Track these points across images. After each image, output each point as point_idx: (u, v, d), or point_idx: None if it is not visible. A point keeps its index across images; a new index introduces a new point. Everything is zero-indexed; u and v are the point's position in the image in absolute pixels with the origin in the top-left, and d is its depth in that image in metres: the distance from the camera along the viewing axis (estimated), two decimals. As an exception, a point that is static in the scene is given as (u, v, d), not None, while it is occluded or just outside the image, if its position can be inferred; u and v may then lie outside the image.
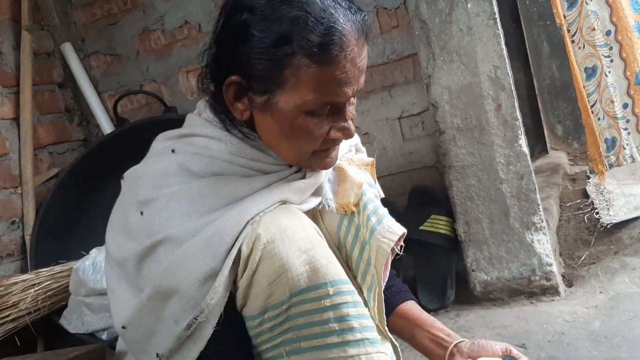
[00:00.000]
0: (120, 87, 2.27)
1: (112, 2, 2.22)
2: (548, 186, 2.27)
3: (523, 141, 1.70)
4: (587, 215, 2.12)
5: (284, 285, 0.83)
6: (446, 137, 1.74)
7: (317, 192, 1.00)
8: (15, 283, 1.72)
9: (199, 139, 0.95)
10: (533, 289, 1.74)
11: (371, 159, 1.09)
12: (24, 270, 1.94)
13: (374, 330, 0.89)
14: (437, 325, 1.05)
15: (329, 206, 0.98)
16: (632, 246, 1.86)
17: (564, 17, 1.80)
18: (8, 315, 1.66)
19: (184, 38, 2.15)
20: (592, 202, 2.18)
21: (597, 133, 1.85)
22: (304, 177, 0.97)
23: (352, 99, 0.92)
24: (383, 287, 1.00)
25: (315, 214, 1.00)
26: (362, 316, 0.88)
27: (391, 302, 1.10)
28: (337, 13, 0.86)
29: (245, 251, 0.84)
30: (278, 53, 0.85)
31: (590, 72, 1.80)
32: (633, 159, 1.82)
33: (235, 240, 0.84)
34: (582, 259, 1.92)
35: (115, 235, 0.96)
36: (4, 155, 2.00)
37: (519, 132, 1.69)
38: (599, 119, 1.82)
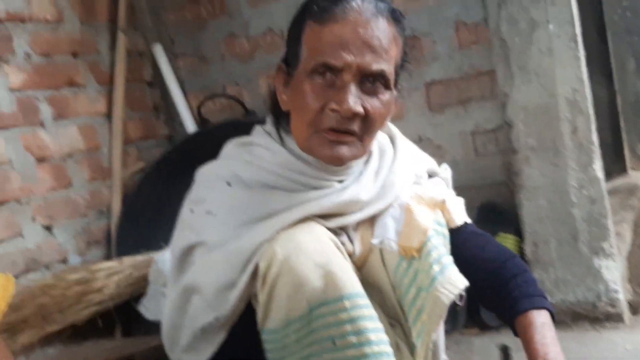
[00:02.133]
0: (204, 88, 2.39)
1: (202, 7, 2.34)
2: (623, 209, 2.22)
3: (598, 165, 1.68)
4: (663, 242, 2.06)
5: (302, 299, 0.88)
6: (519, 157, 1.75)
7: (359, 209, 1.02)
8: (101, 269, 1.86)
9: (256, 149, 1.03)
10: (597, 315, 1.72)
11: (442, 198, 1.06)
12: (108, 258, 2.09)
13: (388, 344, 0.91)
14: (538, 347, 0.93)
15: (390, 247, 1.00)
16: None
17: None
18: (92, 299, 1.80)
19: (267, 44, 2.24)
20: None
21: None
22: (342, 194, 1.00)
23: (374, 83, 0.93)
24: (435, 336, 1.00)
25: (374, 249, 1.03)
26: (379, 330, 0.90)
27: (519, 305, 0.98)
28: None
29: (263, 267, 0.90)
30: (296, 27, 0.95)
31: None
32: None
33: (253, 256, 0.91)
34: (653, 287, 1.87)
35: (178, 224, 1.06)
36: (97, 148, 2.15)
37: (594, 156, 1.67)
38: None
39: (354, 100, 0.91)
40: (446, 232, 1.04)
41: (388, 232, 1.02)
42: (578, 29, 1.66)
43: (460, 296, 0.96)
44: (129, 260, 1.98)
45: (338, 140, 0.94)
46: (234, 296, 0.91)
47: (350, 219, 1.01)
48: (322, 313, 0.88)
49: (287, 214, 0.94)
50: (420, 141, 2.04)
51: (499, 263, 1.03)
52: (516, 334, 0.98)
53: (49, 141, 1.98)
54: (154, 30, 2.40)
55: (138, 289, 1.93)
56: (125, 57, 2.25)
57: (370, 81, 0.93)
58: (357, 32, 0.91)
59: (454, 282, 0.96)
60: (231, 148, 1.08)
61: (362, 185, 1.02)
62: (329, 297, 0.88)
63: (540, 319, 0.95)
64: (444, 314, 0.97)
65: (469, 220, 1.12)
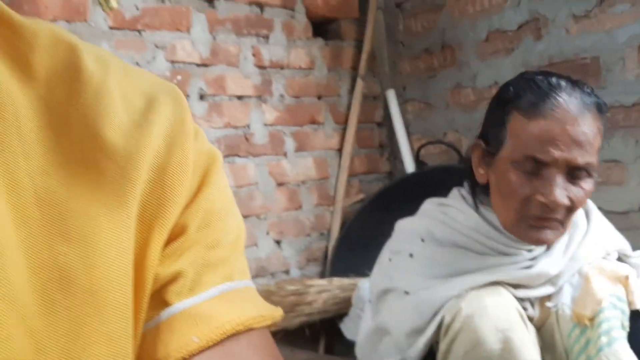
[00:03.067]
0: (427, 132, 2.56)
1: (435, 58, 2.52)
2: None
3: None
4: None
5: (478, 356, 0.96)
6: None
7: (547, 282, 1.08)
8: (313, 285, 2.14)
9: (451, 210, 1.14)
10: None
11: (626, 273, 1.08)
12: (322, 275, 2.37)
13: None
14: None
15: (563, 310, 1.06)
16: None
17: None
18: (303, 310, 2.09)
19: (491, 97, 2.33)
20: None
21: None
22: (532, 266, 1.07)
23: (579, 173, 0.98)
24: None
25: (552, 314, 1.09)
26: None
27: None
28: (559, 86, 0.98)
29: (447, 320, 1.00)
30: (500, 112, 1.03)
31: None
32: None
33: (441, 308, 1.02)
34: None
35: (376, 266, 1.23)
36: (326, 178, 2.46)
37: None
38: None
39: (560, 192, 0.98)
40: (626, 308, 1.06)
41: (564, 297, 1.08)
42: None
43: None
44: (337, 282, 2.23)
45: (542, 224, 1.01)
46: (421, 342, 1.04)
47: (536, 293, 1.08)
48: None
49: (478, 275, 1.04)
50: (638, 211, 1.94)
51: None
52: None
53: (289, 169, 2.34)
54: (389, 77, 2.64)
55: (342, 308, 2.17)
56: (360, 100, 2.53)
57: (575, 173, 0.99)
58: (564, 129, 0.96)
59: (619, 356, 0.98)
60: (428, 207, 1.23)
61: (552, 259, 1.09)
62: None
63: None
64: None
65: None
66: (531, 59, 2.17)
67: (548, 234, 1.02)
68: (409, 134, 2.61)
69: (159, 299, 0.40)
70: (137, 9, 1.92)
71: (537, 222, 1.01)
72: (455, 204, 1.16)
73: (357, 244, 2.48)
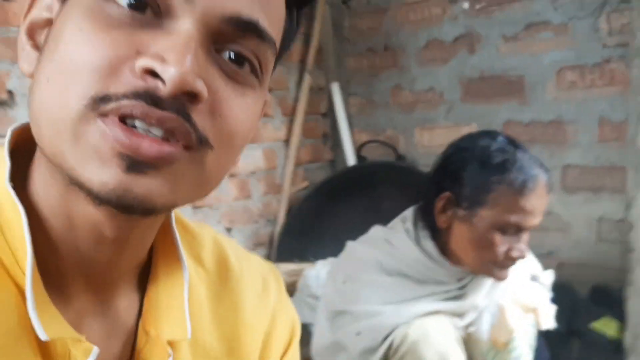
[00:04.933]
0: (368, 127, 2.76)
1: (378, 57, 2.69)
2: None
3: None
4: None
5: None
6: (634, 256, 1.90)
7: (473, 312, 1.33)
8: (262, 272, 2.35)
9: (396, 242, 1.35)
10: (684, 415, 1.86)
11: (535, 306, 1.33)
12: (268, 259, 2.58)
13: None
14: None
15: (482, 335, 1.31)
16: None
17: None
18: (254, 295, 2.30)
19: (427, 100, 2.54)
20: None
21: None
22: (464, 294, 1.31)
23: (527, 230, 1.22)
24: None
25: (472, 336, 1.34)
26: None
27: None
28: (535, 168, 1.20)
29: (396, 343, 1.21)
30: (488, 182, 1.22)
31: None
32: None
33: (391, 332, 1.23)
34: None
35: (331, 282, 1.43)
36: (274, 168, 2.63)
37: None
38: None
39: (525, 247, 1.22)
40: (534, 331, 1.32)
41: (483, 324, 1.32)
42: None
43: None
44: (284, 267, 2.45)
45: (507, 267, 1.24)
46: (373, 359, 1.25)
47: (466, 320, 1.31)
48: None
49: (423, 304, 1.25)
50: (549, 214, 2.24)
51: None
52: None
53: (241, 161, 2.49)
54: (334, 70, 2.80)
55: (288, 293, 2.39)
56: (307, 93, 2.68)
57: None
58: (541, 202, 1.20)
59: None
60: (377, 236, 1.42)
61: (480, 291, 1.31)
62: None
63: None
64: None
65: (553, 326, 1.38)
66: (465, 70, 2.39)
67: (507, 272, 1.26)
68: (351, 126, 2.80)
69: None
70: None
71: (504, 266, 1.24)
72: (399, 236, 1.36)
73: (301, 230, 2.69)
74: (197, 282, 0.56)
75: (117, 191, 0.40)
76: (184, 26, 0.41)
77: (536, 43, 2.20)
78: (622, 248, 2.08)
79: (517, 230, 1.21)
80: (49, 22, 0.46)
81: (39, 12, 0.47)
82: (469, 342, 1.33)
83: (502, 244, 1.21)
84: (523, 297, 1.35)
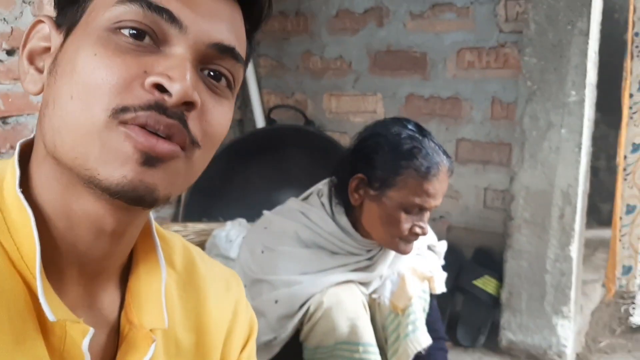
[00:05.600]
0: (277, 89, 2.81)
1: (289, 22, 2.72)
2: (598, 270, 2.60)
3: (574, 247, 2.07)
4: (624, 307, 2.46)
5: (332, 337, 1.32)
6: (514, 223, 2.15)
7: (378, 280, 1.47)
8: (168, 228, 2.38)
9: (312, 215, 1.46)
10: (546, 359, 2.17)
11: (431, 275, 1.49)
12: (174, 218, 2.61)
13: None
14: None
15: (384, 301, 1.46)
16: (644, 352, 2.21)
17: (625, 158, 2.11)
18: (162, 255, 2.33)
19: (337, 68, 2.63)
20: (634, 296, 2.50)
21: (617, 259, 2.19)
22: (372, 264, 1.45)
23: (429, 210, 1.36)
24: None
25: (375, 302, 1.49)
26: None
27: None
28: (439, 156, 1.34)
29: (312, 310, 1.33)
30: (397, 166, 1.34)
31: (630, 209, 2.11)
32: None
33: (307, 300, 1.35)
34: (601, 345, 2.29)
35: (248, 250, 1.52)
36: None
37: (572, 240, 2.06)
38: (623, 248, 2.15)
39: (426, 224, 1.36)
40: (428, 297, 1.49)
41: (385, 291, 1.47)
42: (584, 139, 2.01)
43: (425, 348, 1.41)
44: (192, 227, 2.49)
45: (411, 241, 1.37)
46: (290, 325, 1.34)
47: (371, 288, 1.45)
48: (342, 348, 1.33)
49: (336, 275, 1.37)
50: (442, 183, 2.45)
51: (435, 335, 1.48)
52: None
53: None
54: (245, 31, 2.80)
55: (196, 252, 2.45)
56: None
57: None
58: (442, 186, 1.33)
59: (419, 342, 1.41)
60: (293, 207, 1.50)
61: (386, 262, 1.45)
62: (350, 340, 1.32)
63: None
64: (409, 359, 1.42)
65: (444, 290, 1.56)
66: (373, 42, 2.49)
67: (411, 246, 1.39)
68: (260, 87, 2.83)
69: None
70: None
71: (408, 241, 1.37)
72: (315, 210, 1.46)
73: (209, 189, 2.73)
74: (169, 281, 0.63)
75: (134, 182, 0.50)
76: (179, 50, 0.52)
77: (440, 23, 2.33)
78: (504, 215, 2.33)
79: (420, 210, 1.35)
80: (47, 50, 0.56)
81: (37, 42, 0.57)
82: (371, 308, 1.48)
83: (406, 222, 1.34)
84: (420, 267, 1.51)
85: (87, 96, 0.49)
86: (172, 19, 0.52)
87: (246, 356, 0.72)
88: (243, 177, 2.69)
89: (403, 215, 1.34)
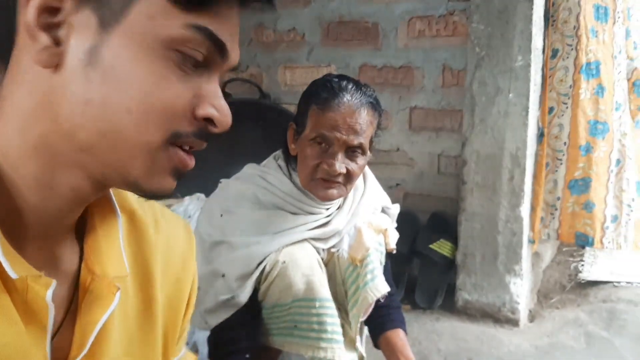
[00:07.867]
0: (231, 64, 2.79)
1: (240, -6, 2.71)
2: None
3: (524, 207, 2.15)
4: (573, 264, 2.57)
5: (289, 294, 1.35)
6: (466, 187, 2.21)
7: (336, 234, 1.50)
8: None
9: (269, 177, 1.47)
10: (500, 317, 2.25)
11: (386, 227, 1.52)
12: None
13: (341, 335, 1.38)
14: (405, 353, 1.46)
15: (342, 254, 1.47)
16: (591, 305, 2.32)
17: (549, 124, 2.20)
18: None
19: (290, 40, 2.64)
20: (583, 253, 2.62)
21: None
22: (329, 222, 1.48)
23: (354, 151, 1.34)
24: (364, 318, 1.52)
25: (334, 256, 1.52)
26: (335, 324, 1.37)
27: (385, 325, 1.49)
28: (346, 89, 1.35)
29: (268, 269, 1.35)
30: (305, 104, 1.38)
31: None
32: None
33: (264, 260, 1.37)
34: (552, 301, 2.40)
35: (206, 216, 1.53)
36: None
37: (522, 201, 2.14)
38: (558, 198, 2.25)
39: (339, 165, 1.34)
40: (383, 250, 1.51)
41: (344, 245, 1.49)
42: (531, 102, 2.07)
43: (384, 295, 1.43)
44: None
45: (329, 185, 1.37)
46: (248, 284, 1.35)
47: (329, 244, 1.47)
48: (299, 305, 1.35)
49: (291, 234, 1.39)
50: (397, 151, 2.50)
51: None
52: (377, 346, 1.49)
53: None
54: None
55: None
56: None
57: (352, 150, 1.36)
58: (345, 120, 1.32)
59: (378, 288, 1.43)
60: (250, 172, 1.51)
61: (341, 218, 1.48)
62: (307, 297, 1.35)
63: (401, 335, 1.47)
64: (370, 307, 1.44)
65: (396, 249, 1.60)
66: (325, 14, 2.50)
67: (333, 191, 1.39)
68: (214, 62, 2.81)
69: None
70: None
71: (323, 184, 1.37)
72: (273, 172, 1.48)
73: (166, 166, 2.72)
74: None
75: (165, 190, 0.58)
76: (214, 75, 0.59)
77: (390, -8, 2.36)
78: (457, 180, 2.39)
79: (329, 145, 1.34)
80: (55, 11, 0.52)
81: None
82: (331, 263, 1.51)
83: (314, 158, 1.35)
84: (375, 221, 1.54)
85: (147, 117, 0.54)
86: (224, 52, 0.57)
87: (189, 312, 0.75)
88: (199, 152, 2.67)
89: (309, 150, 1.35)
